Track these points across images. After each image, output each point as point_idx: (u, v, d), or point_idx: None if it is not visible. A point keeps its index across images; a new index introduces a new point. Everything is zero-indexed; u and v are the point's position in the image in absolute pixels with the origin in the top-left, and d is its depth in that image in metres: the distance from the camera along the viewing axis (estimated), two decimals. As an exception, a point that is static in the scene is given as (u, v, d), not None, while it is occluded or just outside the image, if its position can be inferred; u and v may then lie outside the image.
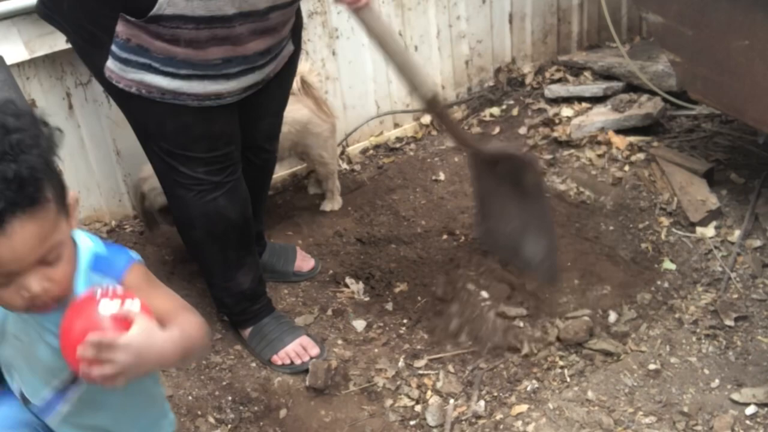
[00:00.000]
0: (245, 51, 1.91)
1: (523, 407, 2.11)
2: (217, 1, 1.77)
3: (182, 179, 2.06)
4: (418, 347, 2.36)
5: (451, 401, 2.17)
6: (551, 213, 2.40)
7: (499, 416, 2.11)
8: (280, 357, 2.25)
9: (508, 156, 2.41)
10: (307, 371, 2.23)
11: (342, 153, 3.21)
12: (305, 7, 2.96)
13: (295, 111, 2.74)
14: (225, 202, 2.11)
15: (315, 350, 2.26)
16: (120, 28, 1.79)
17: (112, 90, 1.93)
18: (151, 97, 1.89)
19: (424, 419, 2.13)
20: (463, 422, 2.10)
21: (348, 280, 2.62)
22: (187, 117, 1.94)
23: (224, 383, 2.24)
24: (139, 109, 1.95)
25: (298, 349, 2.25)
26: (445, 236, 2.80)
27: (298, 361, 2.24)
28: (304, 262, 2.64)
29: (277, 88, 2.20)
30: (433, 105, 2.17)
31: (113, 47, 1.83)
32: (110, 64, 1.86)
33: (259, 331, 2.31)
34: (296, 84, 2.73)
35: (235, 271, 2.23)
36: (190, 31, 1.80)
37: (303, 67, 2.87)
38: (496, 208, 2.50)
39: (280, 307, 2.51)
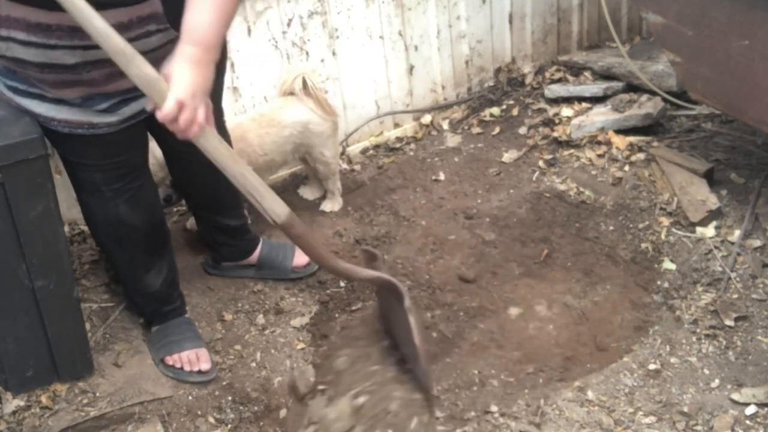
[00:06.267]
0: (106, 90, 1.84)
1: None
2: (54, 52, 1.71)
3: (82, 184, 2.04)
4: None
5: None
6: (421, 348, 2.08)
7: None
8: (173, 359, 2.24)
9: (380, 283, 2.16)
10: (191, 383, 2.22)
11: (342, 153, 3.21)
12: (305, 7, 2.96)
13: (295, 112, 2.74)
14: (127, 209, 2.07)
15: (206, 365, 2.23)
16: None
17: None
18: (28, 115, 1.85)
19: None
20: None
21: (347, 281, 2.62)
22: None
23: (224, 383, 2.24)
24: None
25: (192, 357, 2.24)
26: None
27: (187, 368, 2.23)
28: (302, 257, 2.64)
29: None
30: (288, 228, 1.84)
31: None
32: None
33: (164, 329, 2.31)
34: (297, 85, 2.73)
35: (143, 274, 2.22)
36: (36, 74, 1.76)
37: (304, 67, 2.88)
38: (393, 328, 2.30)
39: (279, 307, 2.51)
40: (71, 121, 1.87)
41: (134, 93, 1.86)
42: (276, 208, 1.80)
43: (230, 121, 2.59)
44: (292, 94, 2.76)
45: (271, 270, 2.60)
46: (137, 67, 1.59)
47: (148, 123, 2.07)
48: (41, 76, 1.77)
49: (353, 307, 2.52)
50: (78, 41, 1.70)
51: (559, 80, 3.54)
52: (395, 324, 2.24)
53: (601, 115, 3.20)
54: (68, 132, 1.88)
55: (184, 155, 2.28)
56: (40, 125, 1.87)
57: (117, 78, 1.78)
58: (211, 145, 1.71)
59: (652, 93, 3.21)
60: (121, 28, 1.65)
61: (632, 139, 3.08)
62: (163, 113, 1.60)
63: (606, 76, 3.44)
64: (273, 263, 2.60)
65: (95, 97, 1.84)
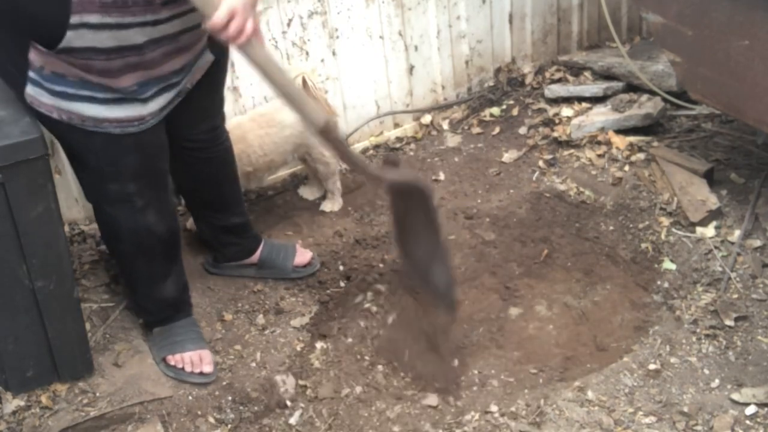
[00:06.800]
0: (160, 72, 1.91)
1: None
2: (126, 32, 1.76)
3: (111, 195, 2.03)
4: (418, 347, 2.37)
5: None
6: (446, 246, 2.29)
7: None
8: (175, 359, 2.24)
9: (407, 184, 2.26)
10: (191, 383, 2.21)
11: (342, 153, 3.21)
12: (305, 7, 2.96)
13: (296, 111, 2.74)
14: (154, 218, 2.10)
15: (208, 367, 2.23)
16: (33, 56, 1.77)
17: (36, 114, 1.88)
18: (72, 123, 1.87)
19: (420, 422, 2.13)
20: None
21: (347, 281, 2.62)
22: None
23: (224, 383, 2.24)
24: (65, 131, 1.92)
25: (195, 358, 2.23)
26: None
27: (188, 369, 2.22)
28: (303, 256, 2.64)
29: (206, 96, 2.18)
30: (325, 132, 1.98)
31: (30, 73, 1.81)
32: (29, 89, 1.84)
33: (168, 329, 2.30)
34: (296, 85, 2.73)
35: (161, 282, 2.23)
36: (102, 62, 1.79)
37: (304, 66, 2.87)
38: (408, 233, 2.35)
39: (279, 307, 2.51)
40: (122, 119, 1.90)
41: (174, 78, 1.96)
42: (316, 113, 1.95)
43: (230, 121, 2.60)
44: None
45: (272, 269, 2.60)
46: None
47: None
48: (106, 64, 1.80)
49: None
50: (150, 15, 1.78)
51: (559, 80, 3.54)
52: (413, 227, 2.32)
53: (601, 115, 3.20)
54: (119, 132, 1.91)
55: (191, 151, 2.29)
56: (80, 132, 1.88)
57: (170, 57, 1.90)
58: (258, 55, 1.81)
59: (652, 93, 3.21)
60: None
61: (632, 139, 3.08)
62: (215, 20, 1.69)
63: (606, 76, 3.44)
64: (274, 263, 2.60)
65: (149, 83, 1.90)
